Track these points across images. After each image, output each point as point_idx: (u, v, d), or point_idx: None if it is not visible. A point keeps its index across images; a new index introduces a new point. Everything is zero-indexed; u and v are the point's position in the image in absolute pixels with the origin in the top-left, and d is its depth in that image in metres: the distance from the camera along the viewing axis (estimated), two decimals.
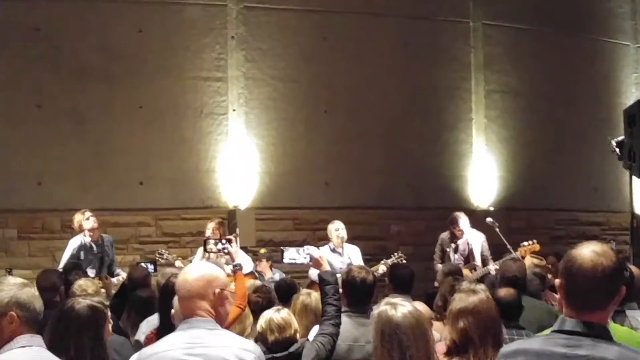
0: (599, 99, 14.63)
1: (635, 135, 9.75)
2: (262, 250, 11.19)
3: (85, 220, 9.58)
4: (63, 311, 3.84)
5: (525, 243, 9.75)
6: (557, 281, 3.00)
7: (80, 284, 5.96)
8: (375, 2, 13.12)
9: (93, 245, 9.54)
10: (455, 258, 10.37)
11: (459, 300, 4.14)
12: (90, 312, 3.79)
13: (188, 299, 3.59)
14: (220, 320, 3.61)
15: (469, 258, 10.40)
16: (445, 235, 10.68)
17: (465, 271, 9.80)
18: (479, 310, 4.04)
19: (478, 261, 10.25)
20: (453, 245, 10.47)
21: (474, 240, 10.44)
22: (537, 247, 9.68)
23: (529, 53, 14.09)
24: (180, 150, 12.18)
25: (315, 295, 5.98)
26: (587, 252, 2.91)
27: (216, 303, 3.58)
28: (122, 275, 9.62)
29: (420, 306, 5.52)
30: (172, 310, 4.41)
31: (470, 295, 4.17)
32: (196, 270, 3.67)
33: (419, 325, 3.75)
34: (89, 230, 9.54)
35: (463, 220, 10.45)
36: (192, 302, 3.57)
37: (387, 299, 3.69)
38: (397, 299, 3.80)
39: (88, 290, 5.41)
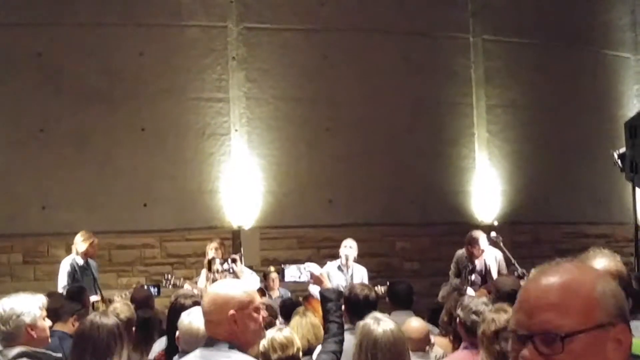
0: (601, 111, 14.61)
1: (636, 147, 9.77)
2: (272, 269, 11.14)
3: (90, 247, 9.60)
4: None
5: None
6: None
7: (116, 306, 6.05)
8: (375, 19, 13.15)
9: (85, 266, 9.55)
10: (472, 279, 10.01)
11: (492, 322, 3.87)
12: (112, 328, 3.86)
13: (206, 322, 3.51)
14: (243, 341, 3.42)
15: (486, 278, 9.96)
16: (461, 253, 10.29)
17: (482, 291, 9.55)
18: None
19: None
20: (470, 265, 10.06)
21: (490, 259, 10.09)
22: None
23: (529, 67, 14.10)
24: (183, 171, 12.21)
25: None
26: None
27: (232, 326, 3.38)
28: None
29: (418, 322, 5.52)
30: (177, 332, 4.41)
31: (502, 315, 3.92)
32: (210, 292, 3.55)
33: (397, 344, 3.69)
34: (84, 252, 9.54)
35: (483, 239, 10.04)
36: (208, 325, 3.48)
37: (374, 314, 3.64)
38: (382, 315, 3.74)
39: (120, 316, 5.48)
